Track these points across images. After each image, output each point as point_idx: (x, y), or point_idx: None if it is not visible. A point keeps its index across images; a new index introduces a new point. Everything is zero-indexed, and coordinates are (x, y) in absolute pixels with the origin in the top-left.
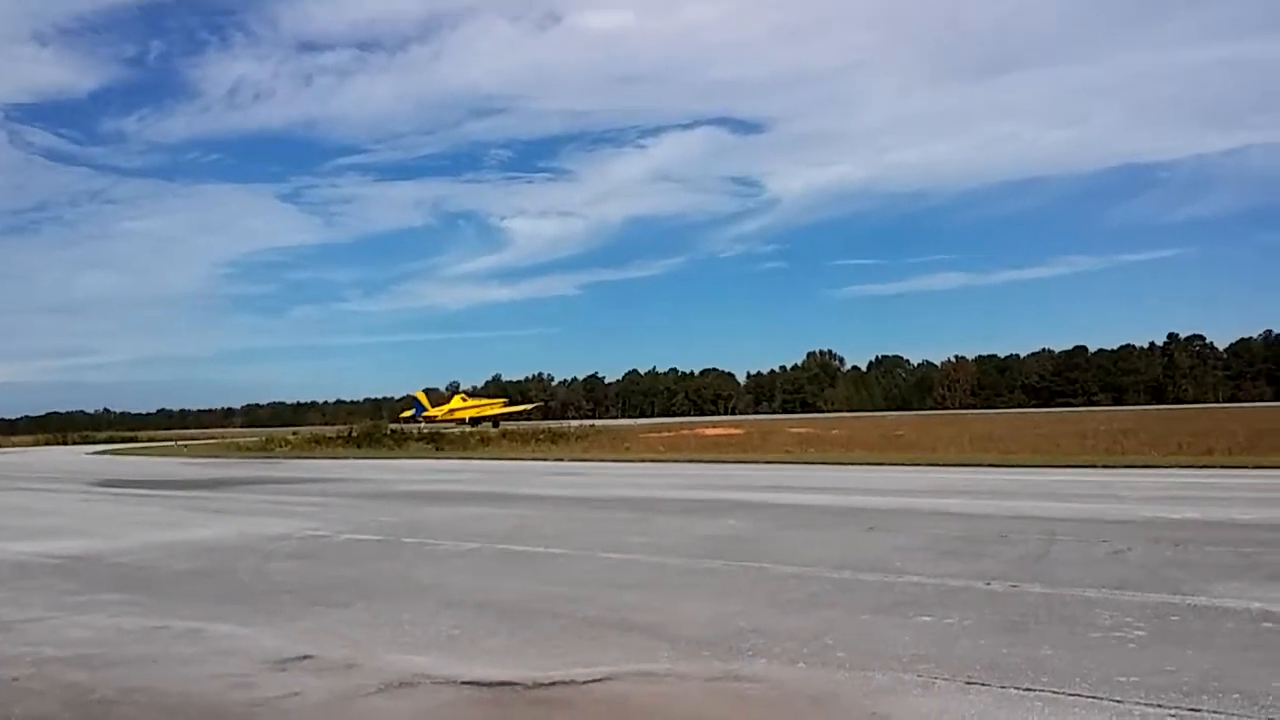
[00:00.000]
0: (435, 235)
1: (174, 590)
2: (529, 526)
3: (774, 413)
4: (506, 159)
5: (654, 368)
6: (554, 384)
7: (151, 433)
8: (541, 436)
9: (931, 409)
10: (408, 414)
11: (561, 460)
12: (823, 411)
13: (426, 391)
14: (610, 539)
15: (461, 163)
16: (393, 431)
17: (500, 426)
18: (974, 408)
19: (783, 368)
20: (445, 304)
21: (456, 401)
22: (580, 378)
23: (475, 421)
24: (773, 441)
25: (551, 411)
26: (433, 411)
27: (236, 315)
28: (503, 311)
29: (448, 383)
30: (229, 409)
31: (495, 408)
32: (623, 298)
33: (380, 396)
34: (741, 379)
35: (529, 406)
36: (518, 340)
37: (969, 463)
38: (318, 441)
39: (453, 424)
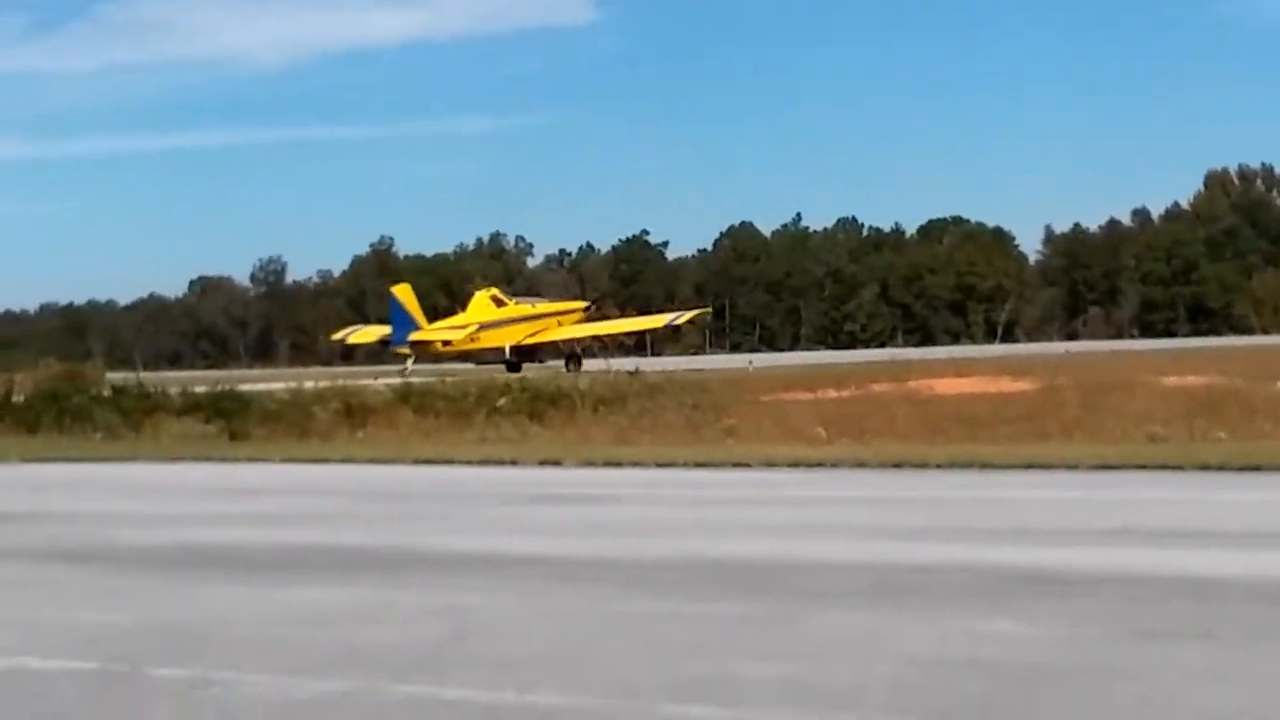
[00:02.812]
0: None
1: None
2: (472, 635)
3: (1116, 335)
4: None
5: (797, 218)
6: (527, 260)
7: None
8: (502, 403)
9: None
10: (365, 337)
11: (560, 464)
12: (1248, 331)
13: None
14: (687, 669)
15: None
16: (115, 391)
17: (578, 369)
18: None
19: (1139, 214)
20: (242, 52)
21: (481, 309)
22: (603, 247)
23: (520, 357)
24: (1112, 410)
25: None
26: (434, 331)
27: None
28: (382, 71)
29: (258, 261)
30: None
31: (570, 321)
32: (717, 25)
33: (87, 300)
34: (1031, 249)
35: (687, 315)
36: (436, 145)
37: None
38: None
39: (472, 359)
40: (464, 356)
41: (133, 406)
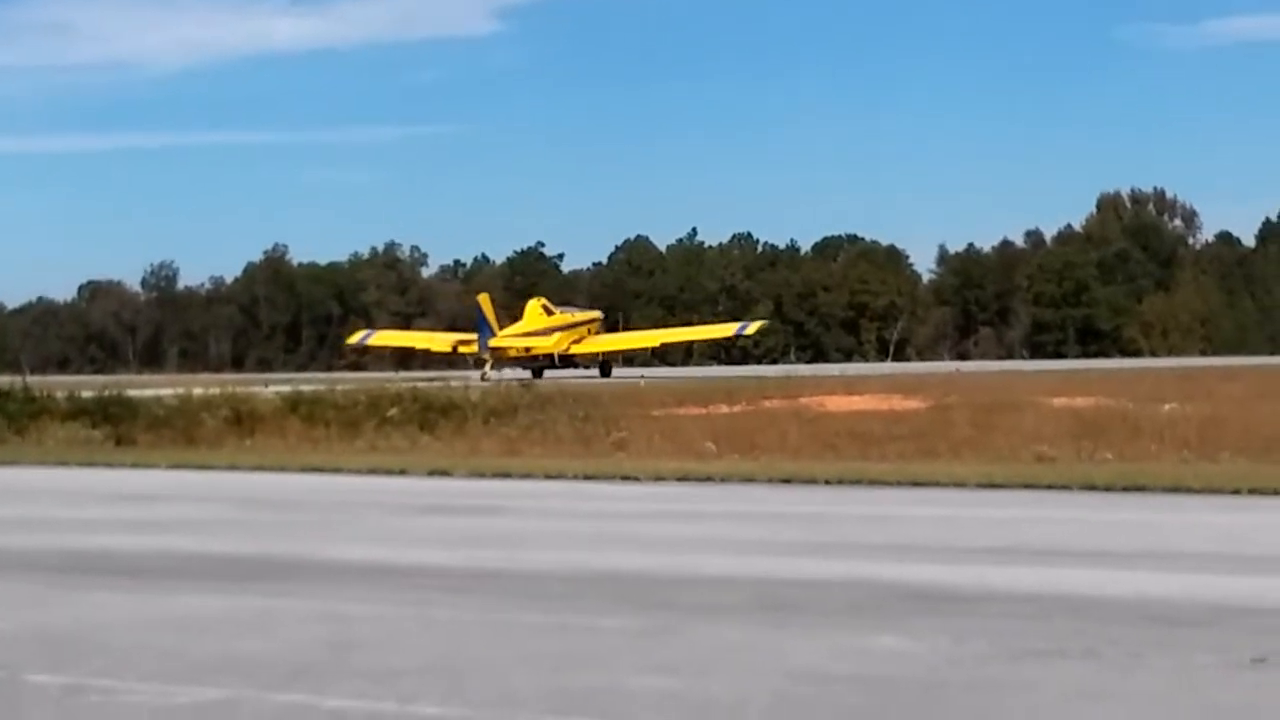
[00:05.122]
0: None
1: None
2: (355, 645)
3: (1006, 355)
4: None
5: (692, 233)
6: (421, 270)
7: None
8: (392, 413)
9: None
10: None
11: (449, 475)
12: (1136, 354)
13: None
14: (570, 681)
15: None
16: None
17: (608, 376)
18: None
19: (1032, 235)
20: (140, 56)
21: (535, 317)
22: (498, 258)
23: (565, 364)
24: (1001, 429)
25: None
26: (513, 338)
27: None
28: (279, 78)
29: (149, 266)
30: None
31: (594, 330)
32: (617, 40)
33: None
34: (924, 268)
35: (754, 325)
36: (332, 153)
37: None
38: None
39: (526, 363)
40: (506, 362)
41: (17, 410)
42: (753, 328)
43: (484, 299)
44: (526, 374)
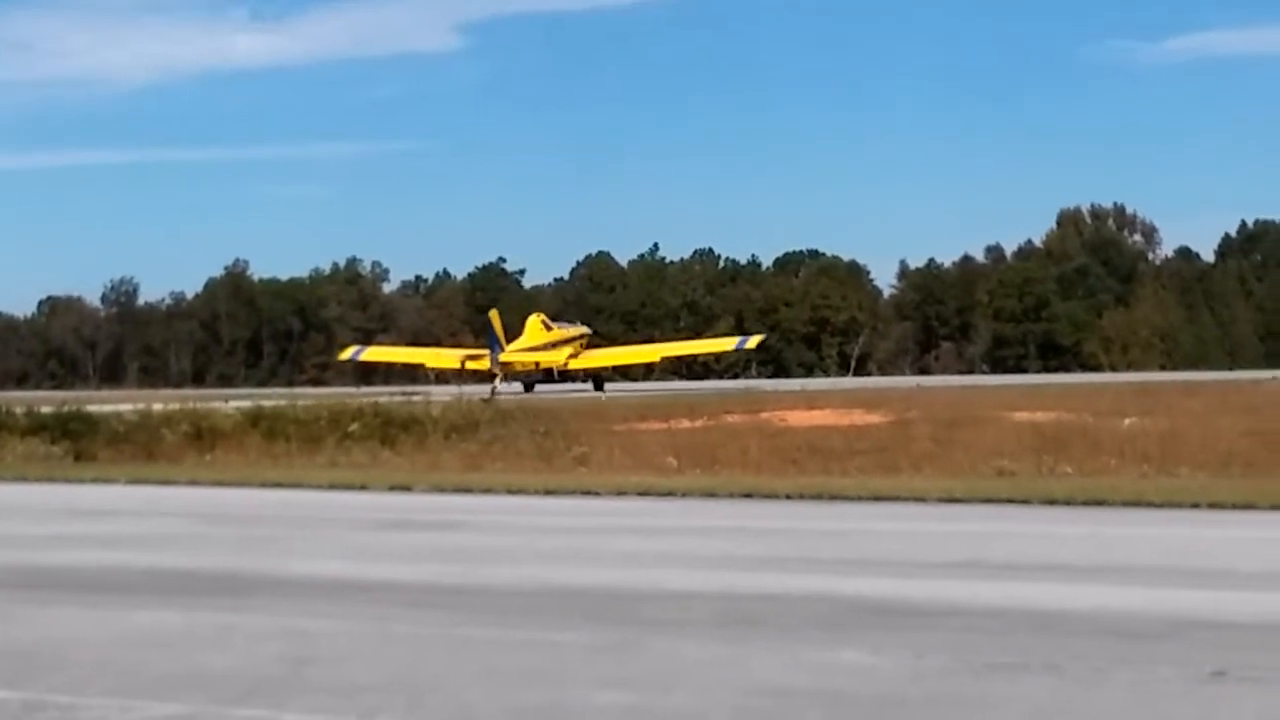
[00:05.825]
0: None
1: None
2: (315, 660)
3: (967, 370)
4: None
5: (654, 248)
6: (383, 286)
7: None
8: (353, 428)
9: None
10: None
11: (410, 490)
12: (1096, 368)
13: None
14: (530, 697)
15: None
16: None
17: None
18: None
19: (993, 251)
20: (100, 73)
21: (536, 332)
22: (460, 274)
23: (564, 378)
24: (962, 444)
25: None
26: (522, 353)
27: None
28: (241, 94)
29: (110, 282)
30: None
31: (582, 346)
32: (578, 56)
33: None
34: (885, 283)
35: (754, 339)
36: (293, 168)
37: None
38: None
39: (521, 378)
40: (513, 376)
41: None
42: (752, 342)
43: (494, 315)
44: (519, 387)
